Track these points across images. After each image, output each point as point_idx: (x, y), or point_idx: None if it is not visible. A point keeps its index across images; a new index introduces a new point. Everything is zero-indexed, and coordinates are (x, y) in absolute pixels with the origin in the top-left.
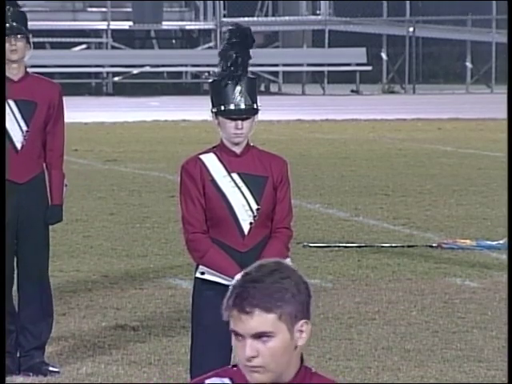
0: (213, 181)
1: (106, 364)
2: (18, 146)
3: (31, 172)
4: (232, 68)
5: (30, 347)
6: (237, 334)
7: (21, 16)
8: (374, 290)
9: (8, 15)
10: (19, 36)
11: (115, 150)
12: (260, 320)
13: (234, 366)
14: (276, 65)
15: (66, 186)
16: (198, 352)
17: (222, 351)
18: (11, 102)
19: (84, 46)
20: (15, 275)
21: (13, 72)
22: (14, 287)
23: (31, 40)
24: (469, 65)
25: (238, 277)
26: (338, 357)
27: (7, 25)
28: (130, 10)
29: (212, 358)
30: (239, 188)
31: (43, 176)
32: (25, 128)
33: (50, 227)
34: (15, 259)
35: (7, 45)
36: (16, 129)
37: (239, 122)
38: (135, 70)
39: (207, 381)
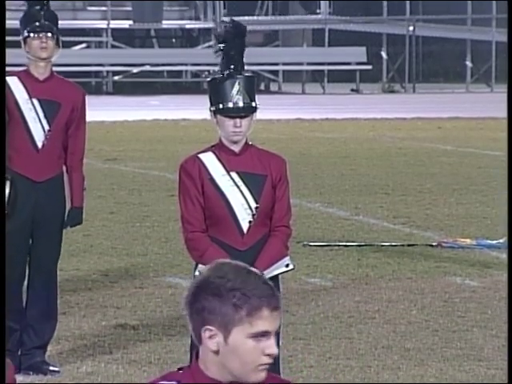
0: (212, 180)
1: (106, 363)
2: (39, 144)
3: (50, 172)
4: (228, 65)
5: (31, 345)
6: (262, 335)
7: (53, 16)
8: (373, 289)
9: (41, 14)
10: (50, 35)
11: (115, 149)
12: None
13: (180, 369)
14: (276, 64)
15: (85, 189)
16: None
17: None
18: (35, 101)
19: (84, 45)
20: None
21: (39, 71)
22: (24, 287)
23: (61, 41)
24: (469, 64)
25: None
26: (337, 356)
27: (37, 23)
28: (129, 9)
29: None
30: (238, 187)
31: (62, 177)
32: (47, 127)
33: None
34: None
35: (37, 42)
36: (38, 128)
37: (238, 120)
38: (135, 69)
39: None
